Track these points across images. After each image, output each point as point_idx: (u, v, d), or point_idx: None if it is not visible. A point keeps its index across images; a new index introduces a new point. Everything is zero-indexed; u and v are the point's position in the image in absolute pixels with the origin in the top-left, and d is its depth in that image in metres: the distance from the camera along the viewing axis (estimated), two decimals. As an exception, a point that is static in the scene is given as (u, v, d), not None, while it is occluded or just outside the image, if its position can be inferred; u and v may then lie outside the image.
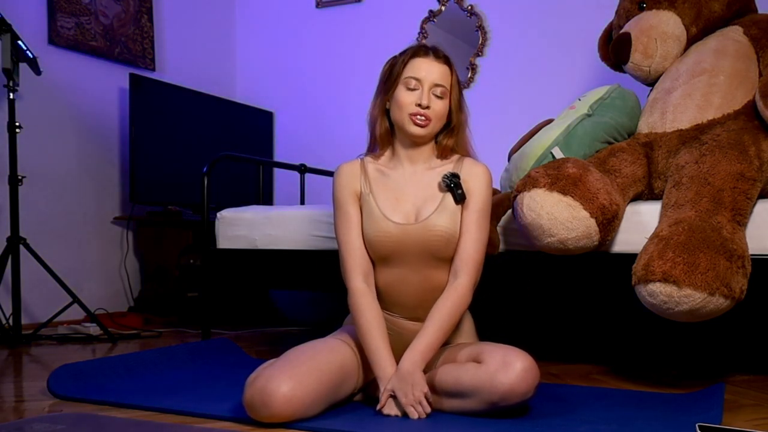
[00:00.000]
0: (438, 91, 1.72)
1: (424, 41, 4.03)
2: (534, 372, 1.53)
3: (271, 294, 3.69)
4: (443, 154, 1.79)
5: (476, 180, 1.75)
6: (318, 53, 4.38)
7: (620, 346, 2.80)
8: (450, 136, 1.79)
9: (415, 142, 1.77)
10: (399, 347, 1.74)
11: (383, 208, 1.73)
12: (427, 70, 1.71)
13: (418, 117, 1.70)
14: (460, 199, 1.70)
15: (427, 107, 1.70)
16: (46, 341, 2.92)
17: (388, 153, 1.82)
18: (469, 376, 1.55)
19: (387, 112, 1.79)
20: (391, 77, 1.75)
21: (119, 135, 3.80)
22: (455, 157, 1.80)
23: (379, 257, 1.73)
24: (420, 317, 1.74)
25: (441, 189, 1.73)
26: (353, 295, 1.72)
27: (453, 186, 1.70)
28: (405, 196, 1.75)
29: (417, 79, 1.71)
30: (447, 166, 1.77)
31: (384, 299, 1.76)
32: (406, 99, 1.71)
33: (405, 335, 1.76)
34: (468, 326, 1.84)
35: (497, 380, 1.50)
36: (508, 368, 1.50)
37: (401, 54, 1.77)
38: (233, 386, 1.82)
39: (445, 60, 1.75)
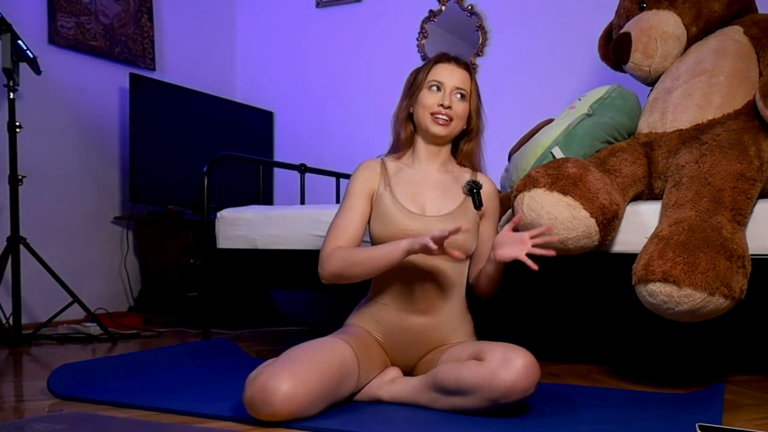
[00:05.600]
0: (459, 93, 1.83)
1: (424, 41, 4.03)
2: (535, 369, 1.53)
3: (271, 294, 3.68)
4: (462, 161, 1.92)
5: (493, 195, 1.89)
6: (318, 53, 4.38)
7: (620, 346, 2.80)
8: (469, 141, 1.91)
9: (436, 143, 1.87)
10: (402, 343, 1.77)
11: (402, 200, 1.80)
12: (449, 75, 1.83)
13: (440, 116, 1.81)
14: (479, 205, 1.81)
15: (449, 107, 1.80)
16: (46, 341, 2.92)
17: (408, 153, 1.92)
18: (470, 373, 1.55)
19: (411, 117, 1.89)
20: (415, 83, 1.87)
21: (119, 135, 3.80)
22: (468, 170, 1.92)
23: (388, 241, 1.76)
24: (422, 309, 1.77)
25: (464, 192, 1.84)
26: (336, 249, 1.74)
27: (476, 192, 1.81)
28: (423, 191, 1.83)
29: (440, 82, 1.83)
30: (465, 175, 1.89)
31: (388, 290, 1.78)
32: (429, 100, 1.82)
33: (407, 329, 1.78)
34: (467, 326, 1.85)
35: (498, 377, 1.50)
36: (509, 365, 1.51)
37: (424, 64, 1.90)
38: (233, 386, 1.82)
39: (466, 67, 1.88)
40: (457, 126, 1.84)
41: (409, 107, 1.88)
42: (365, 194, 1.82)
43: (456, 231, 1.56)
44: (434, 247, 1.57)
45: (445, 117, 1.80)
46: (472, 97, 1.87)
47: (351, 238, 1.79)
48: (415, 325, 1.77)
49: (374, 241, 1.82)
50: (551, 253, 1.64)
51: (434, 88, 1.82)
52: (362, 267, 1.71)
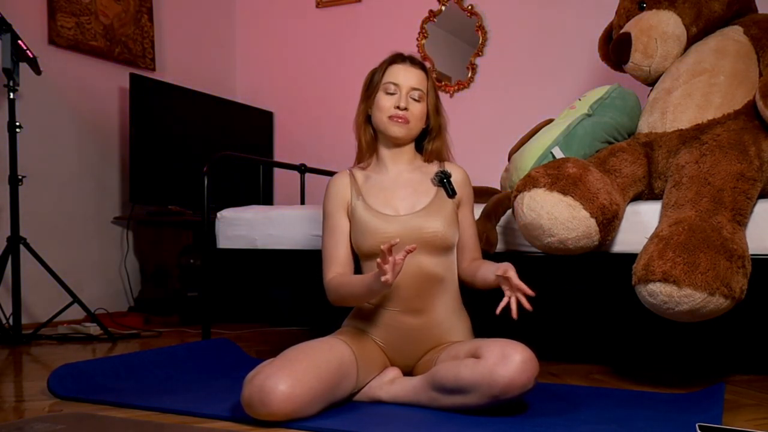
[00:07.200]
0: (415, 94, 1.83)
1: (424, 41, 4.03)
2: (533, 364, 1.54)
3: (271, 294, 3.68)
4: (429, 158, 1.92)
5: (464, 182, 1.90)
6: (318, 53, 4.38)
7: (620, 346, 2.80)
8: (433, 140, 1.91)
9: (397, 144, 1.87)
10: (400, 343, 1.77)
11: (375, 205, 1.81)
12: (404, 76, 1.84)
13: (397, 118, 1.81)
14: (452, 193, 1.82)
15: (405, 109, 1.81)
16: (46, 341, 2.92)
17: (374, 160, 1.93)
18: (469, 371, 1.55)
19: (370, 120, 1.89)
20: (371, 85, 1.87)
21: (119, 135, 3.80)
22: (437, 163, 1.92)
23: (373, 252, 1.76)
24: (416, 309, 1.77)
25: (434, 183, 1.85)
26: (330, 282, 1.79)
27: (446, 181, 1.82)
28: (394, 194, 1.84)
29: (395, 84, 1.83)
30: (432, 168, 1.89)
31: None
32: (385, 102, 1.83)
33: (403, 329, 1.78)
34: (464, 324, 1.85)
35: (497, 374, 1.50)
36: (507, 361, 1.51)
37: (380, 64, 1.89)
38: (233, 386, 1.82)
39: (421, 66, 1.88)
40: (415, 127, 1.85)
41: (367, 110, 1.88)
42: (341, 209, 1.84)
43: (390, 247, 1.53)
44: (389, 277, 1.54)
45: (401, 119, 1.81)
46: (429, 96, 1.86)
47: (343, 260, 1.82)
48: (410, 325, 1.77)
49: (359, 254, 1.82)
50: (527, 306, 1.61)
51: (390, 90, 1.82)
52: (351, 301, 1.78)
